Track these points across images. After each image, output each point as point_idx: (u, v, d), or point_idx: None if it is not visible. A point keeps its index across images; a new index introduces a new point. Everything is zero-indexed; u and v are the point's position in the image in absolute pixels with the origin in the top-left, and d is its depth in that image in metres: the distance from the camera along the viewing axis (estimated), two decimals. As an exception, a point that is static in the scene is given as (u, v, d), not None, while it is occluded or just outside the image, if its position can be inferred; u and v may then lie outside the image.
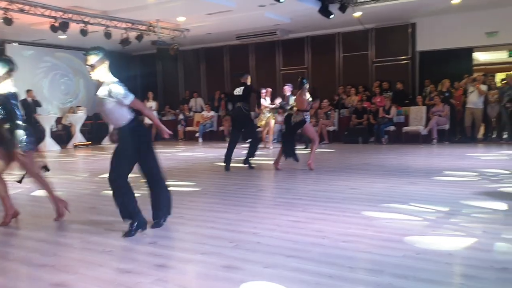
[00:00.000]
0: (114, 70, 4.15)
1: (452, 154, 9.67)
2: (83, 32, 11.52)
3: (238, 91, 8.54)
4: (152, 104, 15.87)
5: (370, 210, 4.82)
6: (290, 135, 8.04)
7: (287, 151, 7.97)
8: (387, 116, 12.51)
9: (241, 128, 8.73)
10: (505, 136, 11.81)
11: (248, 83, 8.63)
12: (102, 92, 4.02)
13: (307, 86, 7.99)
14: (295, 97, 8.17)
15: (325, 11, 11.34)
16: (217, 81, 16.77)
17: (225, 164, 8.29)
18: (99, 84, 4.09)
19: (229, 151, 8.36)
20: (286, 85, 12.32)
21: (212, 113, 15.53)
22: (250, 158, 8.48)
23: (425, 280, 2.92)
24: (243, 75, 8.76)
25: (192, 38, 14.62)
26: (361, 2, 11.66)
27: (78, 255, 3.73)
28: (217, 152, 11.57)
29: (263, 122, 12.48)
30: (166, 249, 3.74)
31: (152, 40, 13.48)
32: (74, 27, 11.38)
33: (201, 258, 3.51)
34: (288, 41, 15.29)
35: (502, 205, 4.84)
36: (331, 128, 13.21)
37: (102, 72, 4.07)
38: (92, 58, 4.02)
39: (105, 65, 4.08)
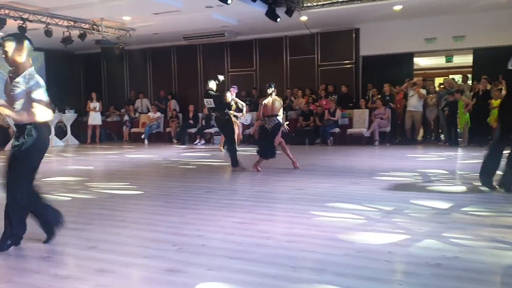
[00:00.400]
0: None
1: (393, 155, 10.00)
2: (22, 30, 11.03)
3: (209, 103, 8.55)
4: (96, 104, 15.43)
5: (314, 210, 4.90)
6: (269, 140, 7.88)
7: (267, 152, 7.85)
8: (332, 118, 12.78)
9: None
10: (442, 138, 12.37)
11: (213, 91, 8.53)
12: (18, 79, 3.66)
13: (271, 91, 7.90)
14: (265, 102, 7.93)
15: (272, 14, 11.47)
16: (164, 81, 16.54)
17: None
18: (14, 73, 3.71)
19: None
20: (232, 87, 12.35)
21: (158, 114, 15.29)
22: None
23: (366, 278, 3.00)
24: (209, 81, 8.69)
25: (138, 37, 14.34)
26: (307, 6, 11.86)
27: (12, 262, 3.56)
28: (163, 154, 11.41)
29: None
30: (107, 253, 3.63)
31: (96, 39, 13.11)
32: (12, 24, 10.87)
33: (143, 262, 3.43)
34: (236, 43, 15.31)
35: (439, 204, 5.04)
36: (278, 130, 13.33)
37: (19, 60, 3.71)
38: (9, 45, 3.69)
39: (24, 52, 3.74)
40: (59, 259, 3.64)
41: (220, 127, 8.94)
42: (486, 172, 5.77)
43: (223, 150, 11.81)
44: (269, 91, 7.88)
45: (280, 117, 7.91)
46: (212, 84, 8.64)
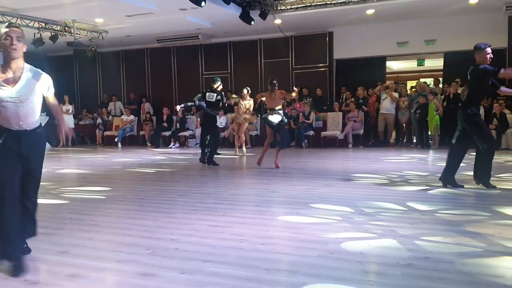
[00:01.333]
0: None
1: (366, 157, 10.14)
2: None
3: (210, 97, 8.91)
4: (68, 107, 15.19)
5: (288, 212, 4.93)
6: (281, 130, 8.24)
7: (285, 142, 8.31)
8: (306, 121, 12.89)
9: (208, 129, 9.15)
10: (414, 140, 12.61)
11: (219, 89, 9.06)
12: (30, 79, 3.50)
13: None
14: (265, 97, 8.36)
15: (246, 17, 11.51)
16: (138, 84, 16.40)
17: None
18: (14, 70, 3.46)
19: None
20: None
21: (131, 117, 15.14)
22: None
23: (338, 279, 3.03)
24: (215, 81, 9.10)
25: (111, 40, 14.19)
26: (281, 9, 11.94)
27: (-21, 269, 3.47)
28: (136, 157, 11.30)
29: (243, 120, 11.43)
30: (78, 258, 3.57)
31: (68, 41, 12.91)
32: (-20, 25, 10.62)
33: (116, 266, 3.39)
34: (210, 46, 15.30)
35: (411, 205, 5.13)
36: (253, 133, 13.37)
37: (21, 55, 3.53)
38: (21, 32, 3.49)
39: (24, 49, 3.56)
40: (29, 264, 3.55)
41: (208, 123, 9.16)
42: (450, 171, 6.01)
43: (239, 152, 11.54)
44: (275, 89, 8.11)
45: (281, 112, 8.19)
46: (218, 84, 9.08)
